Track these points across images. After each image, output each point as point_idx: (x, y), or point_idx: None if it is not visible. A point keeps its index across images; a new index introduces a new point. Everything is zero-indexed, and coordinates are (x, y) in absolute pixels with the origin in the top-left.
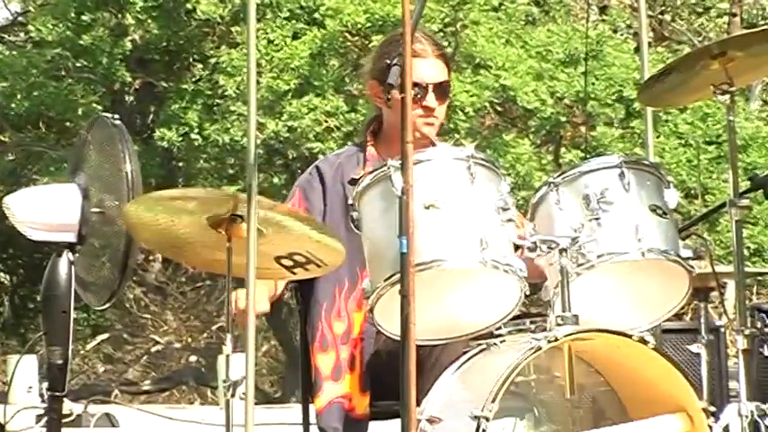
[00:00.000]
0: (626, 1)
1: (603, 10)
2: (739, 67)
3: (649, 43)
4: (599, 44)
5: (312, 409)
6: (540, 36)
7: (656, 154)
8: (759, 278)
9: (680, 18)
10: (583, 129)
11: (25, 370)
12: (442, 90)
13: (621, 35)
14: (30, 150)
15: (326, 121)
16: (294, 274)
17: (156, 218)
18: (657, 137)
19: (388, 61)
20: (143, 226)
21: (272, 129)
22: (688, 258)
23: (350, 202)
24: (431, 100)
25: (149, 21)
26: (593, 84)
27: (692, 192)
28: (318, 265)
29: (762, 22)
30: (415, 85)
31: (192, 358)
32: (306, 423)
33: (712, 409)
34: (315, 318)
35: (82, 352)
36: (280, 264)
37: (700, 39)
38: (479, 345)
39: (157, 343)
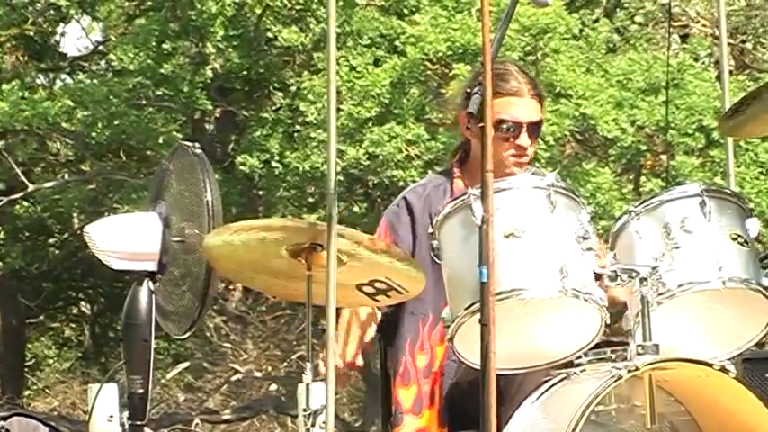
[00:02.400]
0: (707, 30)
1: (684, 39)
2: None
3: (731, 71)
4: (680, 72)
5: None
6: (620, 64)
7: (736, 183)
8: None
9: (762, 46)
10: (663, 158)
11: (106, 399)
12: (535, 129)
13: (703, 63)
14: (110, 179)
15: (407, 149)
16: (377, 300)
17: (237, 248)
18: (738, 166)
19: (469, 90)
20: (223, 256)
21: (352, 156)
22: (752, 282)
23: (430, 230)
24: (524, 139)
25: (230, 49)
26: (674, 113)
27: None
28: (400, 292)
29: None
30: (511, 123)
31: (272, 387)
32: None
33: None
34: (399, 351)
35: (162, 381)
36: (361, 291)
37: None
38: (560, 374)
39: (237, 372)
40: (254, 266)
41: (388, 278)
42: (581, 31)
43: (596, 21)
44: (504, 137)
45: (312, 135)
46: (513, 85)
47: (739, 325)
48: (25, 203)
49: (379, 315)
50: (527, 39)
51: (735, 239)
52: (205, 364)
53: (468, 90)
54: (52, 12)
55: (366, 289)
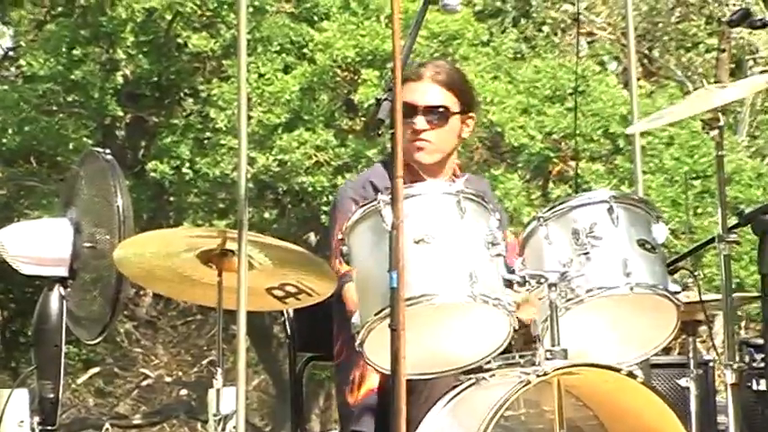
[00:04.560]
0: (612, 36)
1: (591, 45)
2: None
3: (638, 78)
4: (585, 79)
5: None
6: (527, 72)
7: (643, 191)
8: (746, 310)
9: (668, 53)
10: (571, 164)
11: (16, 404)
12: (434, 114)
13: (608, 69)
14: (21, 184)
15: (316, 156)
16: (286, 303)
17: (147, 255)
18: (644, 173)
19: (378, 97)
20: (133, 262)
21: (262, 163)
22: (676, 293)
23: (339, 236)
24: (420, 122)
25: (140, 55)
26: (581, 120)
27: (676, 230)
28: (310, 294)
29: (748, 57)
30: (408, 107)
31: (183, 392)
32: None
33: None
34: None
35: (73, 386)
36: (271, 294)
37: (688, 74)
38: (469, 379)
39: (148, 377)
40: (165, 272)
41: (298, 281)
42: (489, 38)
43: (504, 30)
44: (405, 123)
45: (222, 142)
46: (413, 70)
47: (647, 330)
48: None
49: None
50: (436, 45)
51: (642, 245)
52: (116, 369)
53: (378, 97)
54: None
55: (276, 293)
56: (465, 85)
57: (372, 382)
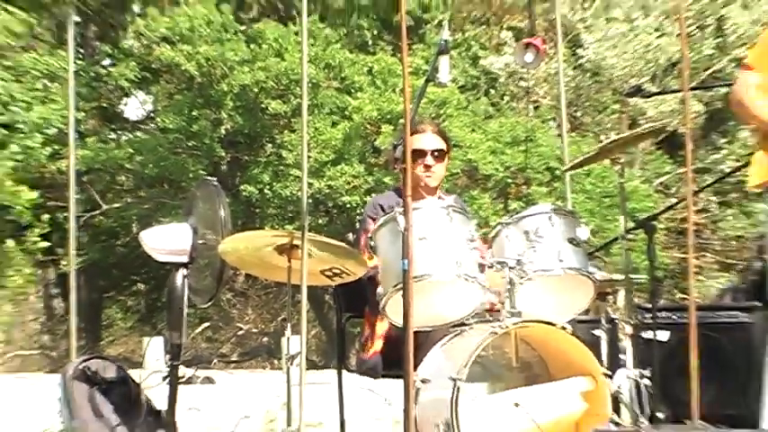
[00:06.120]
0: (552, 103)
1: (536, 108)
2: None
3: (567, 131)
4: (533, 131)
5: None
6: (494, 126)
7: (571, 205)
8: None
9: (587, 115)
10: (524, 188)
11: (155, 347)
12: (437, 154)
13: (549, 125)
14: (158, 201)
15: (353, 182)
16: (334, 281)
17: (241, 248)
18: (572, 194)
19: (395, 143)
20: (232, 253)
21: (317, 187)
22: (593, 273)
23: (369, 235)
24: (429, 160)
25: (237, 115)
26: (530, 158)
27: (593, 232)
28: (348, 275)
29: (640, 118)
30: (419, 151)
31: (265, 339)
32: (339, 382)
33: (609, 372)
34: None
35: (192, 335)
36: (324, 275)
37: (599, 129)
38: (455, 331)
39: (241, 329)
40: (252, 259)
41: (341, 266)
42: (468, 103)
43: (478, 98)
44: (417, 160)
45: (291, 172)
46: (420, 127)
47: (573, 298)
48: (101, 217)
49: None
50: (432, 108)
51: (571, 242)
52: (220, 324)
53: (395, 143)
54: (119, 90)
55: (326, 273)
56: (447, 135)
57: (377, 346)
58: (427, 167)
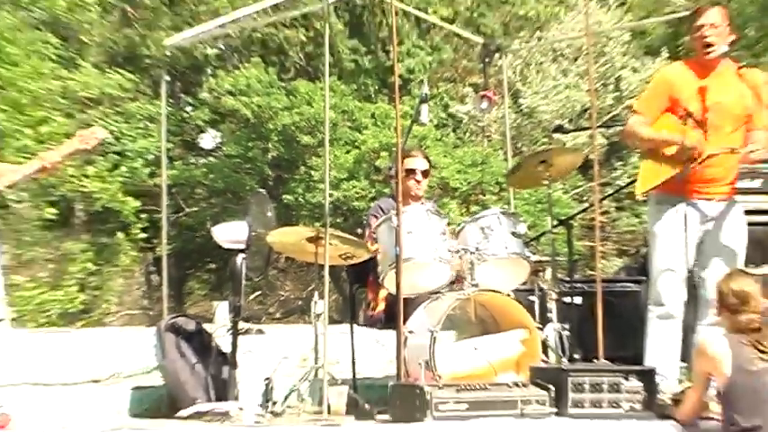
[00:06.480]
0: (499, 137)
1: (489, 141)
2: (555, 169)
3: (511, 156)
4: (486, 157)
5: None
6: (459, 153)
7: (514, 207)
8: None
9: (525, 145)
10: (480, 197)
11: (222, 308)
12: (424, 172)
13: (497, 153)
14: (224, 206)
15: (361, 193)
16: (346, 262)
17: (283, 239)
18: (515, 200)
19: (390, 165)
20: (276, 242)
21: (336, 196)
22: (529, 257)
23: (372, 229)
24: (418, 176)
25: (279, 146)
26: (485, 176)
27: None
28: (357, 257)
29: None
30: (412, 170)
31: (300, 302)
32: (351, 332)
33: (540, 326)
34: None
35: (247, 300)
36: (340, 257)
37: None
38: (434, 296)
39: (282, 295)
40: (291, 247)
41: (352, 252)
42: (441, 137)
43: (448, 134)
44: (409, 175)
45: (317, 186)
46: (412, 152)
47: (515, 274)
48: (184, 217)
49: None
50: (416, 141)
51: (513, 234)
52: (267, 292)
53: (390, 165)
54: (197, 128)
55: (342, 256)
56: (430, 158)
57: (378, 308)
58: (417, 181)
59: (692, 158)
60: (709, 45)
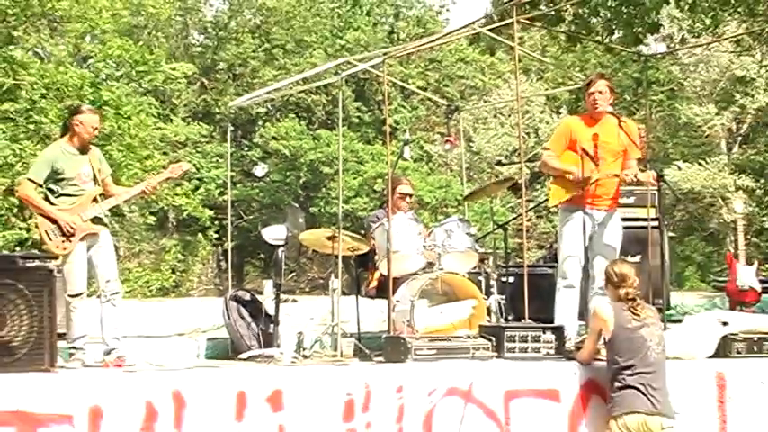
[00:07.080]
0: (458, 168)
1: (451, 171)
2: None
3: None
4: (448, 183)
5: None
6: (430, 179)
7: (468, 218)
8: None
9: (476, 174)
10: (445, 209)
11: (268, 284)
12: (410, 195)
13: (456, 179)
14: (269, 215)
15: (364, 206)
16: (353, 253)
17: (310, 237)
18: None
19: (384, 188)
20: (305, 239)
21: (346, 208)
22: (478, 250)
23: (371, 231)
24: (409, 198)
25: (308, 173)
26: (448, 195)
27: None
28: (360, 250)
29: (501, 176)
30: (403, 193)
31: (320, 280)
32: (356, 301)
33: (485, 297)
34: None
35: (287, 279)
36: (348, 250)
37: (481, 181)
38: (413, 276)
39: (310, 274)
40: (315, 242)
41: (357, 246)
42: (419, 167)
43: (422, 166)
44: (401, 197)
45: (334, 201)
46: (404, 180)
47: (468, 260)
48: (243, 222)
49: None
50: (401, 171)
51: (467, 234)
52: (298, 273)
53: (384, 188)
54: (252, 162)
55: (350, 249)
56: (414, 185)
57: (374, 284)
58: (407, 202)
59: (586, 182)
60: (597, 104)
